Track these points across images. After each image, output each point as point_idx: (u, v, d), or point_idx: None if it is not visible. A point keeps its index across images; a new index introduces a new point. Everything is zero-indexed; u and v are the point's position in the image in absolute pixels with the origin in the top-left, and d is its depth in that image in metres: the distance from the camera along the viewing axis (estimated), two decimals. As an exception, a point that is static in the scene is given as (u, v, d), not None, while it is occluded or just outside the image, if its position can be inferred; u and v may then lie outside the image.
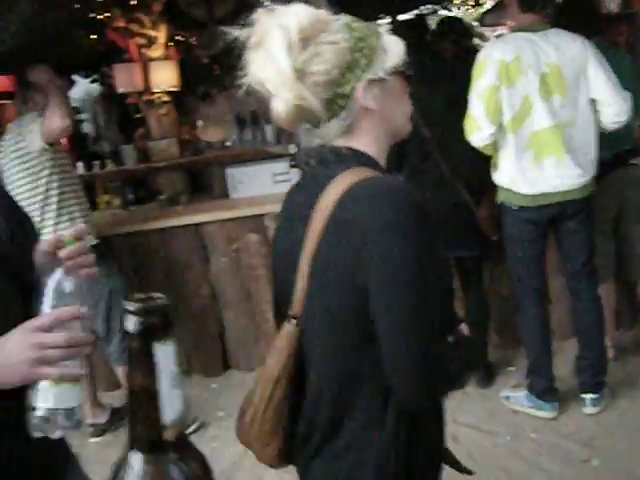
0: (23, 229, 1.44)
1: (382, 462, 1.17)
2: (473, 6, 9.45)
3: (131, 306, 0.59)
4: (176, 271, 3.95)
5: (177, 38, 5.24)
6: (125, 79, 4.75)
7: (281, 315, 1.25)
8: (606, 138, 2.99)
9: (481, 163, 3.08)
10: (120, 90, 4.79)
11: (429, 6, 7.51)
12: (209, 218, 3.95)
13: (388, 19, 6.81)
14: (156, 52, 4.88)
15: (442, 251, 1.24)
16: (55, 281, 1.15)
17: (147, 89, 4.79)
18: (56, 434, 1.16)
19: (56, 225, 3.18)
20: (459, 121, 2.94)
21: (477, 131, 2.89)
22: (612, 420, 3.08)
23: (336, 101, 1.18)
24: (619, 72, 2.96)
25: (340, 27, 1.19)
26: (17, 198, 2.76)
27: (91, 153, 6.09)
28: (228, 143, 5.48)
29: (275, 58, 1.14)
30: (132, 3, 4.82)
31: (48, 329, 1.11)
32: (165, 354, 0.59)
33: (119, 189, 4.70)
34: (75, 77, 6.94)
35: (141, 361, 0.58)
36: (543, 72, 2.82)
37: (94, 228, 3.41)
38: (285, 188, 1.35)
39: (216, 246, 3.94)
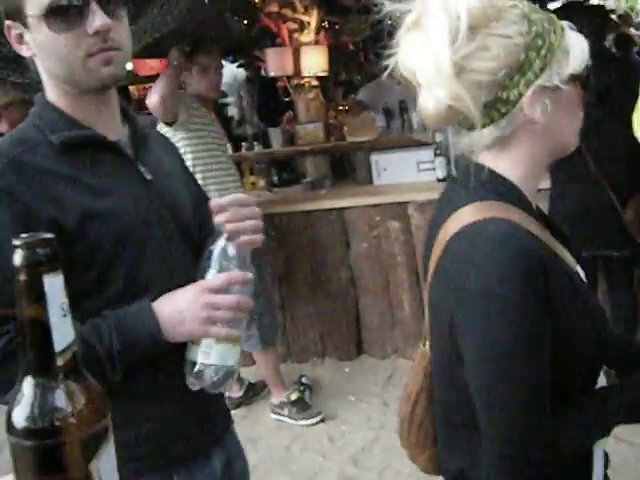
0: (204, 197, 1.49)
1: None
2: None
3: (18, 240, 0.61)
4: (317, 254, 4.01)
5: (324, 25, 5.28)
6: (276, 63, 4.85)
7: None
8: None
9: (632, 162, 2.89)
10: (271, 74, 4.89)
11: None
12: (352, 203, 3.98)
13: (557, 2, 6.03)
14: (307, 37, 4.95)
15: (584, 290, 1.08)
16: (220, 246, 1.20)
17: (297, 73, 4.87)
18: (214, 389, 1.21)
19: None
20: (610, 116, 2.77)
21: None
22: None
23: (497, 106, 1.02)
24: None
25: (517, 17, 1.00)
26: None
27: (234, 136, 6.29)
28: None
29: (434, 46, 0.98)
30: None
31: (219, 291, 1.16)
32: (53, 285, 0.61)
33: (265, 171, 4.81)
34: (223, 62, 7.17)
35: (30, 293, 0.60)
36: None
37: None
38: (429, 177, 1.24)
39: (357, 231, 3.96)
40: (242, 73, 7.91)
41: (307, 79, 4.89)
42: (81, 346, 0.74)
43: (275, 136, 5.00)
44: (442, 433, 1.20)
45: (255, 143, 5.42)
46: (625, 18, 7.55)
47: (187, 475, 1.31)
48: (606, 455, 1.19)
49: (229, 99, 8.05)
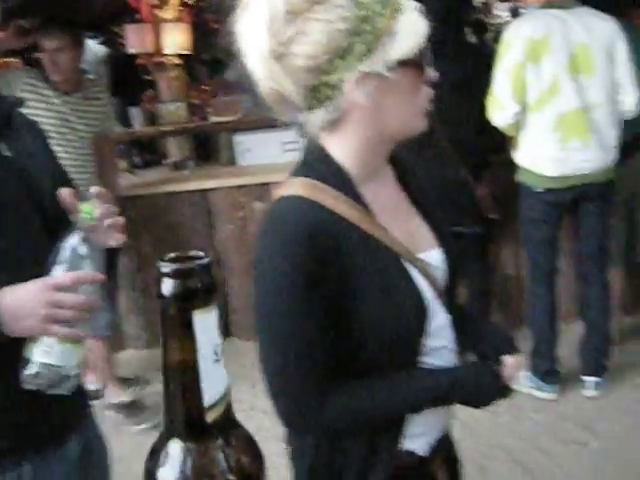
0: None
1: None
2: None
3: (165, 267, 0.49)
4: (182, 236, 3.93)
5: (187, 1, 5.14)
6: (136, 40, 4.67)
7: None
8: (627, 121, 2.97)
9: (484, 140, 3.04)
10: (130, 51, 4.71)
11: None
12: (216, 184, 3.94)
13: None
14: (168, 13, 4.80)
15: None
16: (71, 243, 1.13)
17: (158, 51, 4.72)
18: (51, 390, 1.15)
19: None
20: (465, 99, 2.89)
21: (500, 110, 2.84)
22: (612, 404, 3.11)
23: (321, 90, 1.01)
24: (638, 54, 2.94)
25: (344, 1, 0.97)
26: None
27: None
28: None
29: (255, 30, 0.99)
30: (145, -38, 4.73)
31: (66, 289, 1.11)
32: (206, 323, 0.50)
33: (125, 152, 4.65)
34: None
35: (178, 332, 0.50)
36: (572, 51, 2.77)
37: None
38: (294, 157, 1.26)
39: (222, 213, 3.93)
40: (103, 50, 7.57)
41: (169, 57, 4.74)
42: None
43: (136, 116, 4.83)
44: None
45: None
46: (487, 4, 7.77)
47: (40, 461, 1.28)
48: (444, 442, 1.23)
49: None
